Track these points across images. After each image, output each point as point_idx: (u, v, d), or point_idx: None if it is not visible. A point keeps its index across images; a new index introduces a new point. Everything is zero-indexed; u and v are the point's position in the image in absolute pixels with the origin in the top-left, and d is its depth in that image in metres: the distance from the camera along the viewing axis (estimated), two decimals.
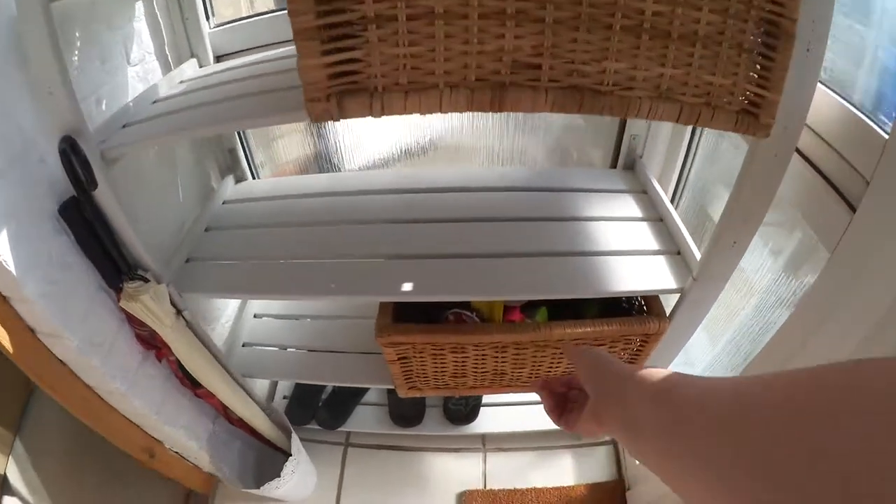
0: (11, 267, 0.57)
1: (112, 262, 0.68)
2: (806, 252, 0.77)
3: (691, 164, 1.05)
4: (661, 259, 0.81)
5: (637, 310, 0.87)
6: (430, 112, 0.49)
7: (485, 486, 1.22)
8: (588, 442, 1.30)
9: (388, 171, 1.08)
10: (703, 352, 1.10)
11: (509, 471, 1.25)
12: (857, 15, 0.66)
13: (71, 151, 0.57)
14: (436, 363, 0.88)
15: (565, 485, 1.21)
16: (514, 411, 1.29)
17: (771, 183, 0.58)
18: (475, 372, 0.90)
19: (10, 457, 0.89)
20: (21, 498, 0.87)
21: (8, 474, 0.87)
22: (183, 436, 0.97)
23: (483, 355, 0.85)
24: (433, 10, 0.44)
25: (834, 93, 0.63)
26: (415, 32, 0.45)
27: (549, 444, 1.29)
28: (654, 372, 0.36)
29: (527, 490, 1.19)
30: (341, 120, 0.49)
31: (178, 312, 0.78)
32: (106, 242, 0.66)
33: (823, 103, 0.63)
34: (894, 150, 0.51)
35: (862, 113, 0.60)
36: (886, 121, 0.57)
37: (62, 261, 0.65)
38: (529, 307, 0.90)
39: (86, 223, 0.65)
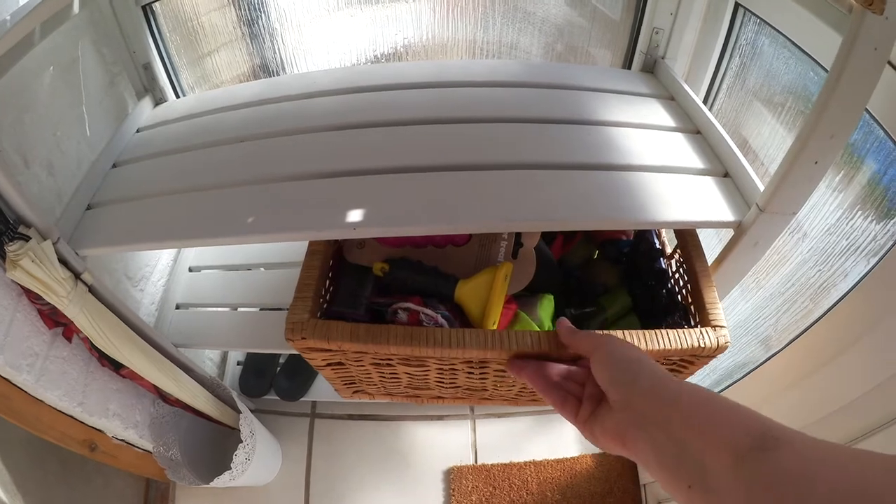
0: None
1: None
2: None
3: (724, 70, 0.85)
4: (708, 181, 0.62)
5: (681, 311, 0.63)
6: None
7: (476, 461, 1.06)
8: None
9: (339, 69, 0.84)
10: (729, 306, 0.92)
11: (503, 441, 1.10)
12: None
13: None
14: (383, 374, 0.65)
15: (568, 456, 1.06)
16: None
17: (866, 87, 0.46)
18: (441, 385, 0.67)
19: None
20: None
21: None
22: (118, 425, 0.81)
23: (452, 370, 0.60)
24: None
25: None
26: None
27: (548, 408, 1.12)
28: (714, 399, 0.31)
29: (524, 464, 1.04)
30: None
31: (77, 276, 0.60)
32: None
33: None
34: None
35: None
36: None
37: None
38: (526, 292, 0.65)
39: None
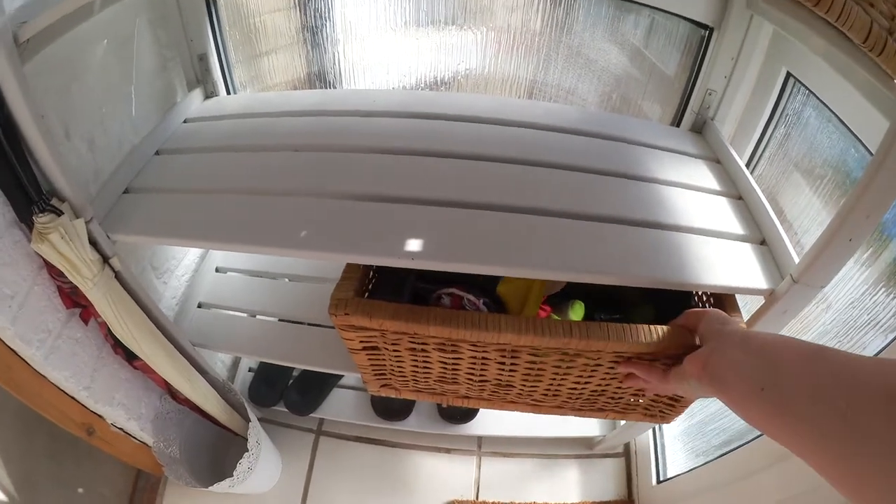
0: None
1: (21, 186, 0.50)
2: None
3: (769, 138, 0.86)
4: (746, 249, 0.63)
5: None
6: None
7: (476, 497, 1.05)
8: (598, 453, 1.14)
9: (400, 91, 0.84)
10: None
11: (505, 480, 1.09)
12: None
13: None
14: (416, 361, 0.65)
15: (568, 502, 1.05)
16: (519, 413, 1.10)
17: None
18: (470, 380, 0.68)
19: None
20: None
21: None
22: (122, 415, 0.80)
23: (484, 360, 0.62)
24: None
25: None
26: None
27: (553, 451, 1.12)
28: (779, 335, 0.39)
29: None
30: None
31: (105, 260, 0.59)
32: (10, 156, 0.48)
33: None
34: None
35: None
36: None
37: None
38: (557, 299, 0.69)
39: None
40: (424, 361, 0.65)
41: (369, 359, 0.66)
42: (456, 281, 0.64)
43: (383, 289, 0.65)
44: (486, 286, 0.64)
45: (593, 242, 0.58)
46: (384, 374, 0.71)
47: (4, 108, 0.46)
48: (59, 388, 0.69)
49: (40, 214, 0.51)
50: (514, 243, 0.56)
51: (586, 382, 0.66)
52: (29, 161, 0.50)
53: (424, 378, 0.70)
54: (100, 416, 0.79)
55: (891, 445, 0.24)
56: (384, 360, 0.66)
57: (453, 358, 0.62)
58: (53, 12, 0.50)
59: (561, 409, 0.74)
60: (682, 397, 0.69)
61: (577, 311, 0.68)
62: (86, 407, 0.75)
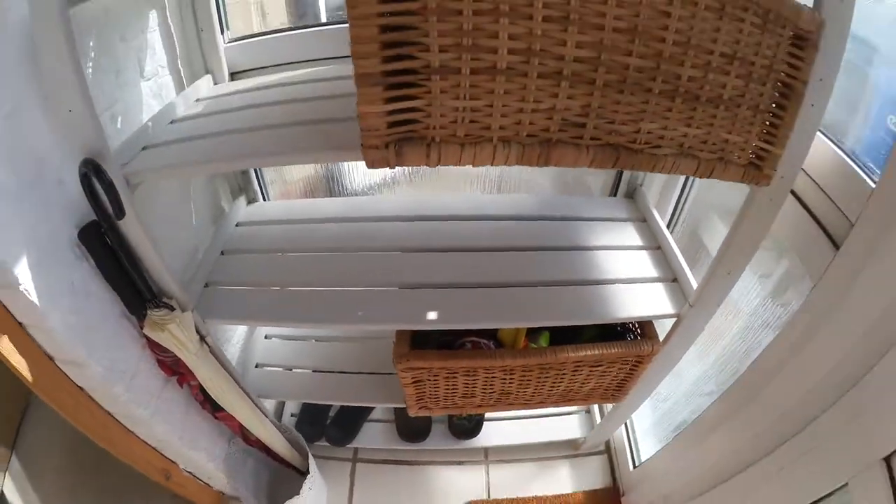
0: (34, 297, 0.52)
1: (135, 290, 0.65)
2: (792, 279, 0.82)
3: (688, 192, 1.10)
4: (660, 286, 0.86)
5: (632, 333, 0.94)
6: (483, 164, 0.50)
7: (489, 497, 1.27)
8: (584, 452, 1.37)
9: (401, 197, 1.10)
10: (691, 365, 1.17)
11: (511, 481, 1.31)
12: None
13: (94, 175, 0.52)
14: (448, 385, 0.93)
15: (563, 492, 1.28)
16: (515, 425, 1.35)
17: (764, 223, 0.63)
18: (483, 392, 0.96)
19: (7, 473, 0.89)
20: None
21: (5, 491, 0.85)
22: (203, 458, 0.96)
23: (492, 378, 0.91)
24: (495, 66, 0.44)
25: (828, 138, 0.66)
26: (476, 87, 0.45)
27: (547, 454, 1.36)
28: None
29: (529, 499, 1.26)
30: (396, 167, 0.49)
31: (202, 338, 0.76)
32: (129, 270, 0.63)
33: (818, 149, 0.64)
34: (879, 198, 0.55)
35: (852, 159, 0.64)
36: (875, 167, 0.61)
37: (84, 289, 0.61)
38: (532, 332, 0.96)
39: (108, 249, 0.61)
40: (453, 384, 0.92)
41: (415, 388, 0.93)
42: (468, 332, 0.94)
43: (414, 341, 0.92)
44: (491, 332, 0.94)
45: (552, 299, 0.83)
46: (423, 398, 0.97)
47: (122, 237, 0.60)
48: (144, 441, 0.84)
49: (156, 310, 0.67)
50: (491, 307, 0.82)
51: (558, 383, 0.94)
52: (142, 271, 0.64)
53: (452, 396, 0.97)
54: (174, 462, 0.94)
55: None
56: (425, 388, 0.93)
57: (472, 379, 0.90)
58: (159, 161, 0.63)
59: (543, 403, 1.02)
60: (626, 382, 0.96)
61: (544, 338, 0.96)
62: (164, 455, 0.90)
